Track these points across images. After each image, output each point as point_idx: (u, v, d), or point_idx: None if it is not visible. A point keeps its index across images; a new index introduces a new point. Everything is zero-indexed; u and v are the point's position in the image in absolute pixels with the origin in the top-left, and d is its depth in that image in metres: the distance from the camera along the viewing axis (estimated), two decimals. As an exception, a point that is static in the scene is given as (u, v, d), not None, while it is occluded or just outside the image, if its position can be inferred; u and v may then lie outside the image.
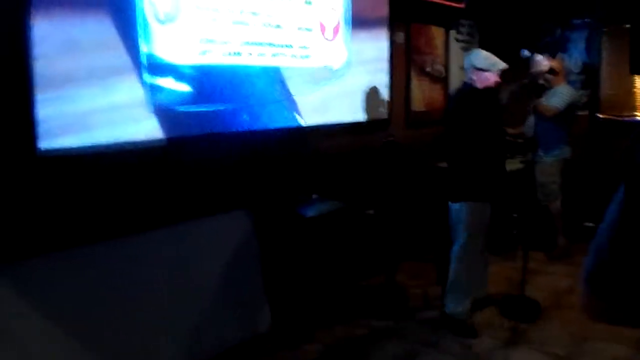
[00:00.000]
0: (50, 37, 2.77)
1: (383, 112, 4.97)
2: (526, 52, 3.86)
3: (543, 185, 5.46)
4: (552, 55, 6.06)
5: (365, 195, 4.69)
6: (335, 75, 4.44)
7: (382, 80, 4.97)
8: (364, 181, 4.73)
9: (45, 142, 2.79)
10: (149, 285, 3.23)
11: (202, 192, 3.56)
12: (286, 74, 4.03)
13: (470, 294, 4.09)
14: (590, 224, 6.39)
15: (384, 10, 4.90)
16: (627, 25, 6.19)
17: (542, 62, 3.96)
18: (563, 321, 4.32)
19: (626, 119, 6.46)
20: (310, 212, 3.96)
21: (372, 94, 4.77)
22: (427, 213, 4.98)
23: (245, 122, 3.80)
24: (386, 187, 4.83)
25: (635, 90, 6.41)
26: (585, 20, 6.51)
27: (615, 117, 6.49)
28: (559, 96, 5.30)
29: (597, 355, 3.87)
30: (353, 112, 4.68)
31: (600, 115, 6.52)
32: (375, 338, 4.01)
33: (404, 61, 5.33)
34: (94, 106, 2.98)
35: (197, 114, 3.49)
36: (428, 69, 5.66)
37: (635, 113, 6.43)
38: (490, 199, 4.02)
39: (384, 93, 5.03)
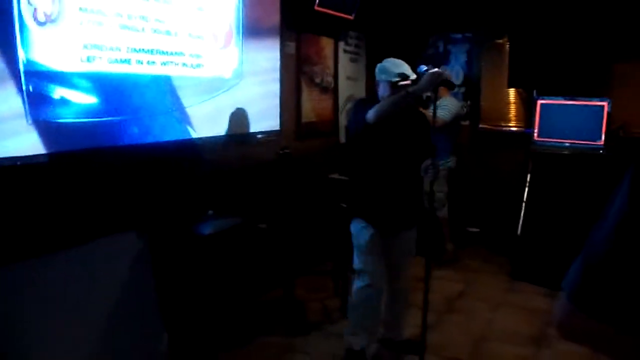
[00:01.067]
0: None
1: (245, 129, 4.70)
2: (424, 67, 3.78)
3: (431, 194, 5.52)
4: (436, 67, 6.19)
5: (258, 209, 4.52)
6: (228, 86, 4.25)
7: (274, 91, 4.83)
8: (257, 194, 4.57)
9: None
10: (33, 316, 2.88)
11: (89, 212, 3.24)
12: (177, 84, 3.80)
13: (367, 327, 3.71)
14: (474, 229, 6.64)
15: (275, 19, 4.78)
16: (503, 40, 6.47)
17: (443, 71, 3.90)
18: (459, 325, 4.39)
19: (504, 129, 6.72)
20: (207, 230, 3.75)
21: (239, 113, 4.45)
22: (323, 225, 4.88)
23: (135, 135, 3.52)
24: (280, 200, 4.69)
25: (510, 102, 6.68)
26: (466, 34, 6.71)
27: (494, 128, 6.73)
28: (445, 108, 5.40)
29: (498, 356, 3.92)
30: (246, 123, 4.50)
31: (481, 126, 6.74)
32: (277, 355, 3.84)
33: (294, 72, 5.24)
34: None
35: (82, 126, 3.18)
36: (317, 80, 5.58)
37: (510, 124, 6.69)
38: (375, 223, 3.59)
39: (276, 104, 4.88)
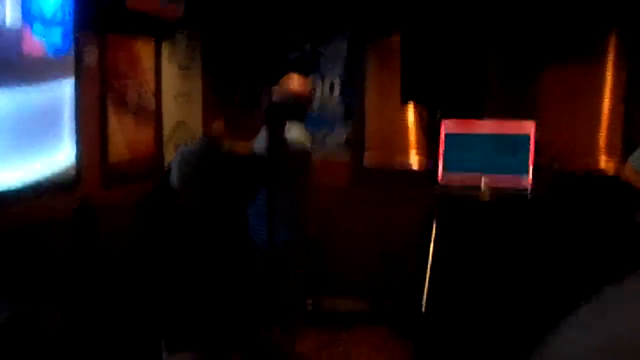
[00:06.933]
0: None
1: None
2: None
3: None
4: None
5: (48, 292, 4.59)
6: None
7: (62, 116, 4.93)
8: (44, 270, 4.63)
9: None
10: None
11: None
12: None
13: None
14: (362, 307, 6.91)
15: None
16: (396, 38, 6.80)
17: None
18: None
19: (401, 162, 7.07)
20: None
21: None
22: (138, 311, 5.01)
23: None
24: (78, 278, 4.78)
25: (411, 125, 7.05)
26: (344, 31, 7.10)
27: (387, 161, 7.08)
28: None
29: None
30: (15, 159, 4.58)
31: (367, 158, 7.12)
32: None
33: (96, 90, 5.36)
34: None
35: None
36: (131, 100, 5.77)
37: (414, 155, 7.03)
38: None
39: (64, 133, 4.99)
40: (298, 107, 4.53)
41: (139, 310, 3.99)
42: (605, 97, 6.62)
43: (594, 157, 6.63)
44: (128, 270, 5.02)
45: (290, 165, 4.50)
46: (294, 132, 4.84)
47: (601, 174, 6.49)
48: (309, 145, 5.00)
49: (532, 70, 6.59)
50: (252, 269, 4.00)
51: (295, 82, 4.96)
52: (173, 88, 6.41)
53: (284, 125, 3.95)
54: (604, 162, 6.57)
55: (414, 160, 7.08)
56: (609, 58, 6.60)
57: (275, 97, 4.13)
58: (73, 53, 5.01)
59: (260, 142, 4.59)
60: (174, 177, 3.66)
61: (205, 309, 3.72)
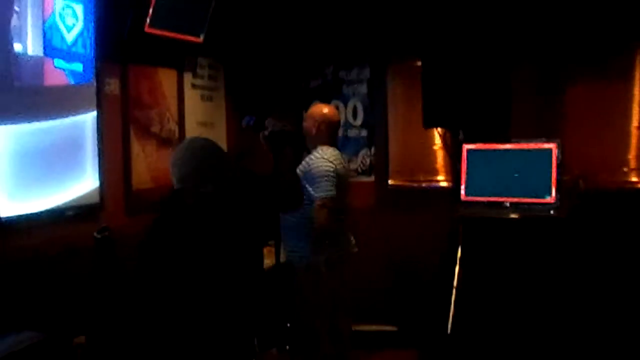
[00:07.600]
0: None
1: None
2: (250, 120, 4.08)
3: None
4: (326, 101, 6.49)
5: (72, 318, 4.64)
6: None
7: (88, 147, 5.01)
8: (68, 298, 4.68)
9: None
10: None
11: None
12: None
13: None
14: (390, 328, 6.92)
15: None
16: (419, 62, 6.78)
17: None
18: None
19: (424, 185, 7.10)
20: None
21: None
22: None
23: None
24: (100, 304, 4.82)
25: (435, 148, 7.10)
26: (366, 55, 7.17)
27: (410, 184, 7.14)
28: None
29: None
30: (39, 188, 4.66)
31: (391, 182, 7.17)
32: None
33: (119, 119, 5.45)
34: None
35: None
36: (155, 129, 5.85)
37: (437, 177, 7.07)
38: None
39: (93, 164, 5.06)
40: (296, 136, 4.62)
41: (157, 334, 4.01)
42: (633, 113, 6.57)
43: (623, 174, 6.58)
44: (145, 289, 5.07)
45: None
46: (327, 154, 5.14)
47: (630, 190, 6.45)
48: (340, 167, 5.19)
49: (557, 88, 6.58)
50: (265, 287, 4.04)
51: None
52: (195, 115, 6.47)
53: (286, 151, 4.00)
54: (633, 178, 6.52)
55: (438, 182, 7.12)
56: (635, 73, 6.58)
57: (275, 125, 4.20)
58: (95, 83, 5.11)
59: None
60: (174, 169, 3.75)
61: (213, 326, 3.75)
